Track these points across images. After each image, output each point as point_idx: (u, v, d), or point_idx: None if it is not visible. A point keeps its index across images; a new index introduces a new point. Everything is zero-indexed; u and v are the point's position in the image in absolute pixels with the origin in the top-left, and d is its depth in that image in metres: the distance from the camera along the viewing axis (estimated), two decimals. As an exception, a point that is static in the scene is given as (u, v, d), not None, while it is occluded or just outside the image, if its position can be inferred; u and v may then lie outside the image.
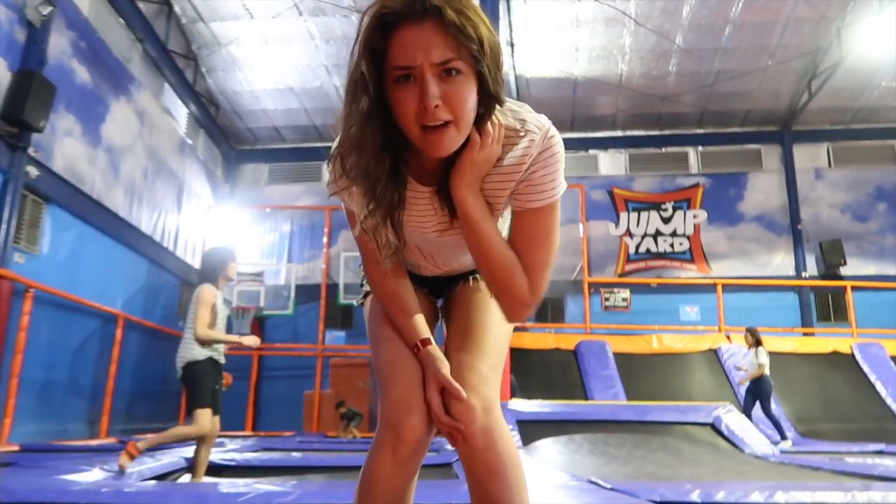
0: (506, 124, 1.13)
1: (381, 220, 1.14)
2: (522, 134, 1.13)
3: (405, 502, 1.25)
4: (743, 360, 7.79)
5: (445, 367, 1.20)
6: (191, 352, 3.86)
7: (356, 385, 10.74)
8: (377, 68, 1.04)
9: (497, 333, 1.32)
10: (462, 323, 1.33)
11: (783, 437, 7.20)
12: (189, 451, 4.26)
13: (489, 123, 1.10)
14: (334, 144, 1.17)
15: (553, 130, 1.16)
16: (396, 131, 1.08)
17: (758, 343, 7.67)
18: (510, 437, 1.21)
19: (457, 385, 1.16)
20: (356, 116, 1.07)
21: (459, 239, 1.24)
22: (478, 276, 1.39)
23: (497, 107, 1.10)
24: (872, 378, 8.87)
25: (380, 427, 1.20)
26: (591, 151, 13.95)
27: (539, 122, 1.15)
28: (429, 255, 1.37)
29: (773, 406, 7.60)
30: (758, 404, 7.50)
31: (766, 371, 7.49)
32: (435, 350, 1.23)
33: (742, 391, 7.97)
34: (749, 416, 7.32)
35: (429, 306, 1.43)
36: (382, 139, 1.08)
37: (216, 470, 4.12)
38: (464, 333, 1.30)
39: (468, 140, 1.10)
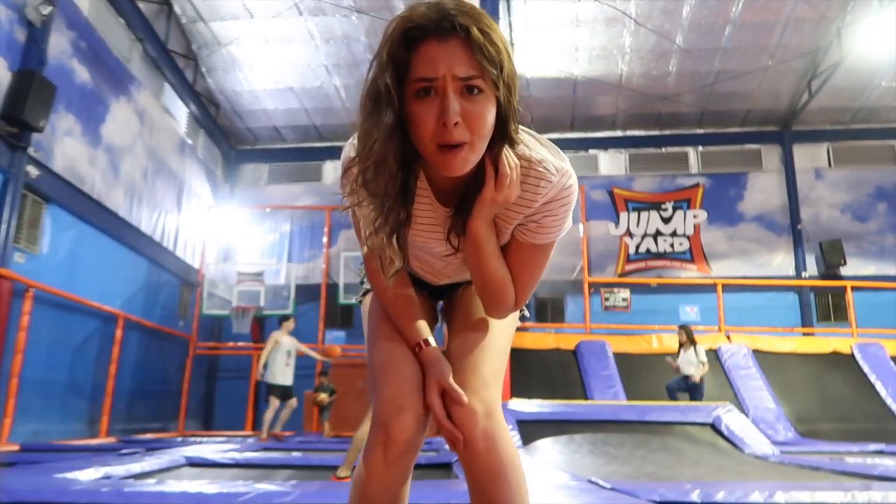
0: (521, 153, 1.12)
1: (387, 237, 1.13)
2: (540, 170, 1.13)
3: (399, 502, 1.25)
4: (680, 360, 7.81)
5: (448, 369, 1.20)
6: None
7: (356, 385, 10.71)
8: (399, 82, 1.03)
9: (499, 336, 1.32)
10: (464, 325, 1.33)
11: None
12: (188, 451, 4.26)
13: (506, 164, 1.09)
14: (346, 153, 1.15)
15: (573, 180, 1.16)
16: (411, 147, 1.08)
17: (692, 342, 7.73)
18: (511, 440, 1.21)
19: (458, 389, 1.16)
20: (380, 130, 1.04)
21: (463, 262, 1.27)
22: None
23: (513, 137, 1.09)
24: (872, 378, 8.86)
25: (372, 427, 1.20)
26: (591, 151, 13.95)
27: (560, 167, 1.14)
28: (438, 271, 1.37)
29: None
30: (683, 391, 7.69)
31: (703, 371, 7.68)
32: (436, 352, 1.24)
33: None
34: (674, 396, 7.59)
35: (428, 309, 1.43)
36: (403, 155, 1.07)
37: (216, 469, 4.12)
38: (465, 336, 1.30)
39: (485, 169, 1.10)
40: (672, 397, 7.64)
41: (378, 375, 1.24)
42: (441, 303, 1.50)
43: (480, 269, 1.20)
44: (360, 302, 1.48)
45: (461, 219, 1.17)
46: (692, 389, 7.59)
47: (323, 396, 9.08)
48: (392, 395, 1.19)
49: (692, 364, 7.61)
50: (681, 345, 7.87)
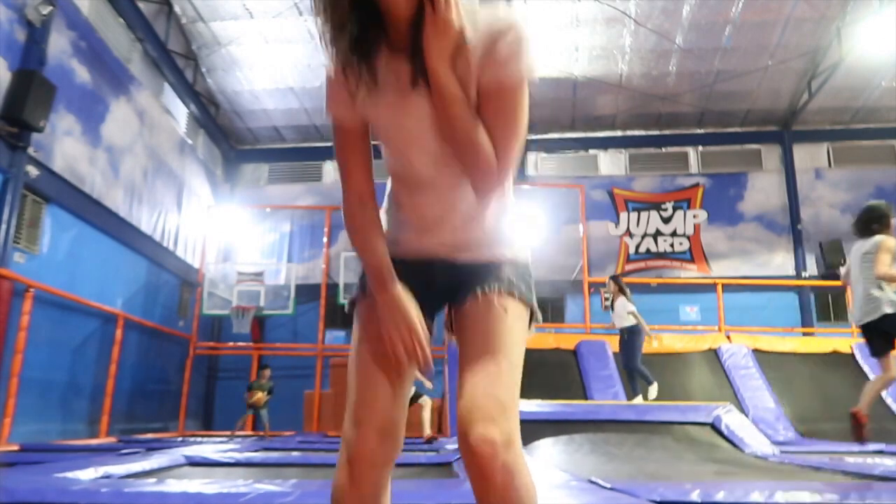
0: (463, 2, 1.14)
1: (350, 50, 1.15)
2: (485, 15, 1.15)
3: None
4: (614, 314, 7.66)
5: (412, 309, 1.21)
6: (879, 301, 4.09)
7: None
8: None
9: (515, 360, 1.25)
10: (478, 347, 1.25)
11: (636, 393, 7.27)
12: (188, 451, 4.26)
13: None
14: None
15: (518, 20, 1.17)
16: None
17: (622, 292, 7.47)
18: (528, 472, 1.17)
19: (423, 335, 1.19)
20: None
21: (449, 156, 1.21)
22: (487, 288, 1.28)
23: None
24: (872, 378, 8.85)
25: (341, 445, 1.22)
26: (591, 151, 13.96)
27: (502, 10, 1.17)
28: (426, 203, 1.29)
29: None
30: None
31: (638, 321, 7.37)
32: (401, 294, 1.23)
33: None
34: (630, 369, 7.40)
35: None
36: None
37: (216, 469, 4.12)
38: (481, 359, 1.22)
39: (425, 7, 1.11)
40: (637, 367, 7.41)
41: (349, 397, 1.25)
42: (446, 312, 1.42)
43: (449, 118, 1.16)
44: (352, 304, 1.40)
45: (419, 64, 1.16)
46: (623, 344, 7.37)
47: (260, 395, 9.05)
48: (354, 411, 1.21)
49: (620, 317, 7.38)
50: (613, 298, 7.63)
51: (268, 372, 9.42)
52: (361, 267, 1.31)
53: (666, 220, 13.43)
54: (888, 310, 4.13)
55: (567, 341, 9.31)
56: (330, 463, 4.38)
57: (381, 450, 1.19)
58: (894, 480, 3.30)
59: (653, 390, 7.20)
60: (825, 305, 12.68)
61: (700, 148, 13.85)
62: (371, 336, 1.26)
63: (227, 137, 13.79)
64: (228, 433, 9.67)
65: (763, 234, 13.25)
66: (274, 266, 12.91)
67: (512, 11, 1.17)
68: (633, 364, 7.42)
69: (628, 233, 13.42)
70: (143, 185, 10.18)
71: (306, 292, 12.45)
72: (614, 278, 7.80)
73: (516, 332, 1.27)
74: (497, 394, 1.17)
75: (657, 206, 13.53)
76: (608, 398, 8.03)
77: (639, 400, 7.14)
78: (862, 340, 4.47)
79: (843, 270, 4.76)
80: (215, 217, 12.80)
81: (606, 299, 7.63)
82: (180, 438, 8.40)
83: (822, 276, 12.60)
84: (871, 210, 4.43)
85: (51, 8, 7.36)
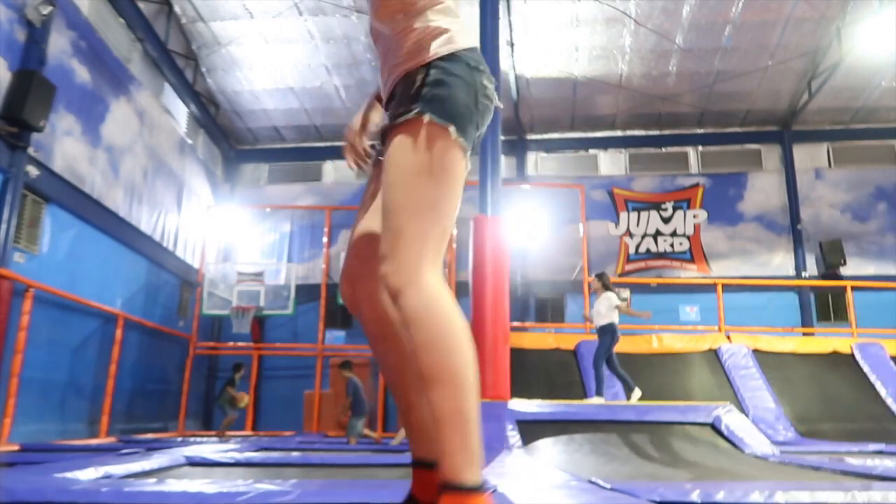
0: None
1: None
2: None
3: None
4: (592, 310, 7.49)
5: (353, 121, 1.64)
6: None
7: (356, 385, 10.72)
8: None
9: (401, 196, 1.26)
10: (380, 197, 1.37)
11: (628, 390, 7.09)
12: (188, 451, 4.25)
13: None
14: None
15: None
16: None
17: (606, 288, 7.23)
18: (425, 290, 1.21)
19: (348, 140, 1.63)
20: None
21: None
22: (406, 116, 1.29)
23: None
24: (872, 378, 8.85)
25: None
26: (591, 151, 13.96)
27: None
28: (376, 46, 1.49)
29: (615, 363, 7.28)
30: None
31: (614, 319, 7.09)
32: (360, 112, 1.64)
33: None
34: (608, 365, 7.19)
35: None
36: None
37: (216, 469, 4.11)
38: (377, 209, 1.42)
39: None
40: (598, 366, 7.15)
41: None
42: None
43: None
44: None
45: None
46: (599, 337, 7.16)
47: (247, 399, 9.22)
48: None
49: (599, 314, 7.15)
50: (594, 292, 7.41)
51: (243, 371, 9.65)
52: None
53: (666, 220, 13.43)
54: None
55: (567, 341, 9.31)
56: (330, 463, 4.37)
57: (360, 269, 1.46)
58: (894, 480, 3.30)
59: (596, 400, 7.05)
60: (825, 305, 12.68)
61: (700, 148, 13.85)
62: (368, 184, 1.55)
63: (227, 137, 13.80)
64: (216, 433, 9.65)
65: (763, 234, 13.25)
66: (274, 266, 12.91)
67: None
68: (596, 361, 7.22)
69: (628, 233, 13.42)
70: (143, 185, 10.18)
71: (306, 292, 12.45)
72: (599, 275, 7.59)
73: (401, 164, 1.26)
74: (385, 235, 1.27)
75: (657, 206, 13.53)
76: (608, 398, 8.03)
77: (636, 397, 7.14)
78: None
79: None
80: (215, 217, 12.80)
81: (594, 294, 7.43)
82: (180, 438, 8.40)
83: (822, 276, 12.60)
84: None
85: (51, 8, 7.37)
